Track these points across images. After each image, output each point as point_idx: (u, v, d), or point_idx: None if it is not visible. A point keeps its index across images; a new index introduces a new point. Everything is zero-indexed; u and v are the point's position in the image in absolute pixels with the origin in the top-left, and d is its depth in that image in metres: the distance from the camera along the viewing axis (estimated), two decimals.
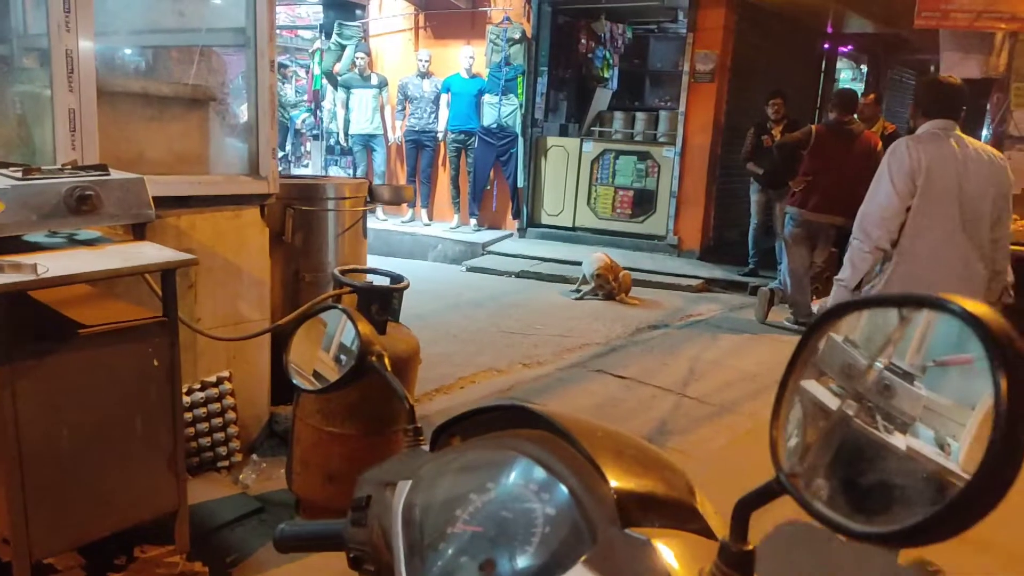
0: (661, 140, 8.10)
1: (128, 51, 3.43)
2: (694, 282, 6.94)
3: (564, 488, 0.61)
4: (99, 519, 1.91)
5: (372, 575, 0.76)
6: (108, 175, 2.01)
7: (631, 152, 8.15)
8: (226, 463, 2.79)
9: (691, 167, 7.77)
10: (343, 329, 1.25)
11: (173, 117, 2.69)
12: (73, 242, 2.02)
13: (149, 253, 1.96)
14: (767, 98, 6.51)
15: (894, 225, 2.76)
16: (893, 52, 11.33)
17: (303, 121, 10.83)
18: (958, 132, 2.79)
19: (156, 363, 1.96)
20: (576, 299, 6.36)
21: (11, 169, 1.98)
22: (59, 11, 2.22)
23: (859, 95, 5.80)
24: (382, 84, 8.48)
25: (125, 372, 1.92)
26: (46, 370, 1.78)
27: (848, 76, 12.85)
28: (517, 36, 8.08)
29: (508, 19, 8.10)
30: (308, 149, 10.79)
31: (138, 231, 2.09)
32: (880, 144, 5.24)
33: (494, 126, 8.10)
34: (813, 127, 5.53)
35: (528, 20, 8.20)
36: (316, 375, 1.33)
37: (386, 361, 1.00)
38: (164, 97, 2.70)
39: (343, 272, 2.56)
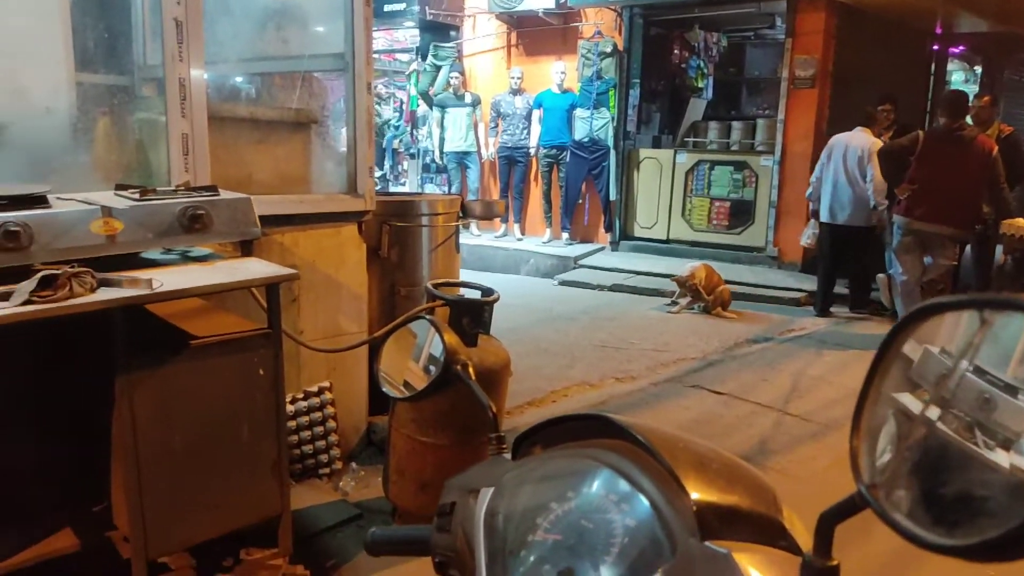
0: (759, 149, 7.87)
1: (236, 79, 3.64)
2: (796, 295, 6.69)
3: (644, 499, 0.60)
4: (208, 521, 2.01)
5: None
6: (218, 195, 2.13)
7: (727, 162, 7.96)
8: (327, 471, 2.88)
9: (791, 176, 7.51)
10: (432, 340, 1.28)
11: (278, 140, 2.83)
12: (186, 258, 2.15)
13: (255, 268, 2.06)
14: (876, 103, 6.21)
15: None
16: (1010, 52, 10.61)
17: (400, 141, 11.17)
18: None
19: (262, 372, 2.05)
20: (671, 313, 6.24)
21: (130, 191, 2.14)
22: (173, 42, 2.38)
23: (970, 98, 5.46)
24: (475, 102, 8.64)
25: (233, 381, 2.02)
26: (161, 379, 1.90)
27: (960, 78, 12.11)
28: (609, 50, 8.07)
29: (599, 33, 8.10)
30: (405, 168, 11.10)
31: (245, 248, 2.20)
32: (996, 148, 4.91)
33: (586, 140, 8.10)
34: (920, 132, 5.24)
35: (620, 33, 8.18)
36: (406, 384, 1.36)
37: (471, 370, 1.01)
38: (270, 121, 2.85)
39: (436, 286, 2.62)
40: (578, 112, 8.11)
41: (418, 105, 9.64)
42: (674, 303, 6.35)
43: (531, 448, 0.84)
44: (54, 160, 2.76)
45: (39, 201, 1.88)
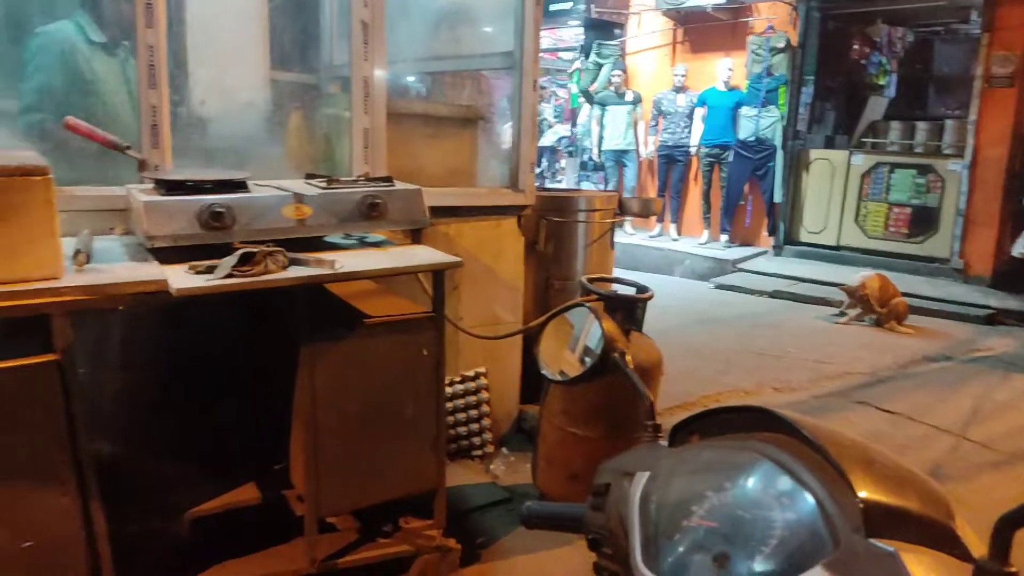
0: (946, 152, 7.24)
1: (410, 77, 3.85)
2: (983, 312, 6.10)
3: (807, 494, 0.60)
4: (373, 488, 2.16)
5: (608, 558, 0.80)
6: (393, 186, 2.28)
7: (909, 165, 7.38)
8: (479, 453, 3.00)
9: (982, 182, 6.85)
10: (588, 331, 1.31)
11: (448, 135, 2.98)
12: (363, 243, 2.31)
13: (423, 255, 2.19)
14: None
15: None
16: None
17: (558, 139, 11.28)
18: None
19: (425, 353, 2.17)
20: (838, 324, 5.90)
21: (317, 180, 2.33)
22: (359, 43, 2.57)
23: None
24: (636, 100, 8.57)
25: (399, 360, 2.15)
26: (337, 353, 2.06)
27: None
28: (781, 45, 7.73)
29: (772, 28, 7.78)
30: (562, 165, 11.20)
31: (415, 236, 2.34)
32: None
33: (751, 139, 7.80)
34: None
35: (794, 28, 7.80)
36: (561, 373, 1.40)
37: (628, 359, 1.04)
38: (441, 117, 3.00)
39: (590, 280, 2.64)
40: (744, 110, 7.83)
41: (579, 103, 9.70)
42: (842, 314, 5.99)
43: (688, 437, 0.85)
44: (251, 150, 3.06)
45: (240, 186, 2.10)
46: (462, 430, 2.98)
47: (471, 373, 3.03)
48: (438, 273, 2.19)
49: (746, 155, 7.87)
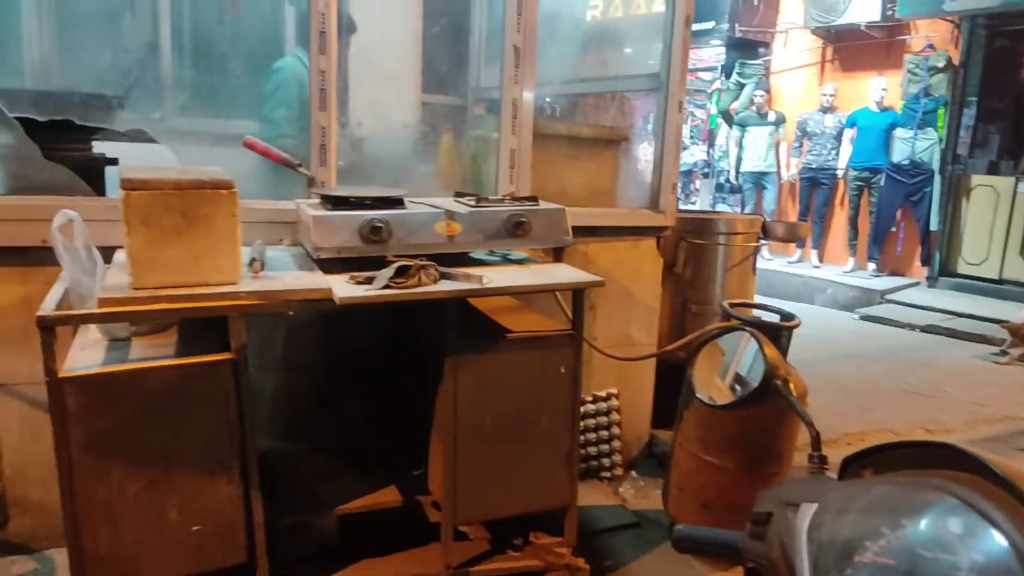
0: None
1: (549, 98, 3.92)
2: None
3: (999, 536, 0.57)
4: (507, 500, 2.21)
5: None
6: (537, 205, 2.33)
7: None
8: (608, 475, 2.99)
9: None
10: (741, 357, 1.29)
11: (590, 156, 3.01)
12: (506, 260, 2.38)
13: (565, 274, 2.22)
14: None
15: None
16: None
17: (694, 161, 11.08)
18: None
19: (563, 370, 2.20)
20: (999, 364, 5.42)
21: (466, 198, 2.42)
22: (511, 67, 2.65)
23: None
24: (779, 121, 8.29)
25: (537, 375, 2.19)
26: (480, 365, 2.12)
27: None
28: (941, 64, 7.25)
29: (931, 46, 7.32)
30: (697, 186, 10.98)
31: (557, 254, 2.38)
32: None
33: (906, 163, 7.35)
34: None
35: (955, 46, 7.31)
36: (709, 399, 1.38)
37: (791, 386, 1.01)
38: (584, 138, 3.03)
39: (732, 305, 2.59)
40: (898, 132, 7.39)
41: (717, 124, 9.51)
42: (1003, 353, 5.51)
43: (860, 471, 0.82)
44: (403, 168, 3.22)
45: (397, 203, 2.21)
46: (592, 450, 2.97)
47: (603, 393, 3.03)
48: (578, 292, 2.21)
49: (899, 179, 7.42)
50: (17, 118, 2.22)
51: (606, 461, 3.01)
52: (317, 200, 2.29)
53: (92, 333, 2.01)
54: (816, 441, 0.89)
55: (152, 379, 1.78)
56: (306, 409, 2.61)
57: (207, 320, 1.98)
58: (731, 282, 3.35)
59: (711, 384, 1.24)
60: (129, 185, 1.72)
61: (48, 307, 1.73)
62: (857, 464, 0.82)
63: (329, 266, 2.10)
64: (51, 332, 1.67)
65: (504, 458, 2.19)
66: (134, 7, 3.66)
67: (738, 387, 1.13)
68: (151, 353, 1.92)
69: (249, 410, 1.88)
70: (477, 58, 4.33)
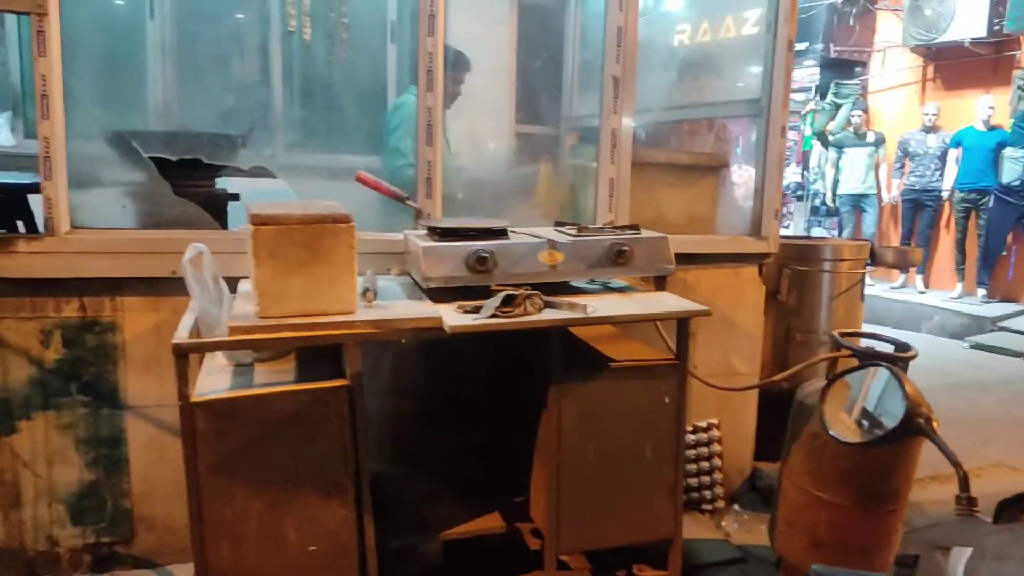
0: None
1: (648, 126, 3.92)
2: None
3: None
4: (610, 530, 2.19)
5: None
6: (639, 234, 2.33)
7: None
8: (709, 507, 2.92)
9: None
10: (868, 392, 1.25)
11: (689, 182, 2.99)
12: (607, 289, 2.38)
13: (669, 302, 2.21)
14: None
15: None
16: None
17: (786, 183, 10.81)
18: None
19: (667, 400, 2.18)
20: None
21: (567, 227, 2.45)
22: (610, 96, 2.68)
23: None
24: (878, 142, 8.01)
25: (640, 405, 2.18)
26: (582, 393, 2.13)
27: None
28: None
29: None
30: (790, 209, 10.69)
31: (659, 283, 2.37)
32: None
33: (1016, 183, 6.95)
34: None
35: None
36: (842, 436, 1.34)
37: (934, 424, 0.98)
38: (683, 165, 3.02)
39: (842, 335, 2.50)
40: (1008, 152, 7.01)
41: (811, 145, 9.26)
42: None
43: (1018, 515, 0.79)
44: (498, 198, 3.28)
45: (501, 234, 2.26)
46: (692, 482, 2.92)
47: (703, 424, 2.97)
48: (683, 321, 2.20)
49: (1010, 201, 7.01)
50: (151, 158, 2.39)
51: (707, 493, 2.95)
52: (424, 231, 2.36)
53: (219, 359, 2.12)
54: (964, 482, 0.87)
55: (275, 404, 1.86)
56: (410, 433, 2.67)
57: (322, 347, 2.08)
58: (837, 310, 3.24)
59: (836, 419, 1.20)
60: (258, 220, 1.82)
61: (182, 335, 1.85)
62: (1015, 508, 0.79)
63: (437, 295, 2.16)
64: (185, 359, 1.78)
65: (608, 488, 2.18)
66: (248, 51, 3.89)
67: (865, 423, 1.09)
68: (273, 379, 2.01)
69: (363, 435, 1.94)
70: (570, 87, 4.39)
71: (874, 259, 3.34)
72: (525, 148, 3.79)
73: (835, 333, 2.46)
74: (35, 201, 2.50)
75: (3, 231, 2.38)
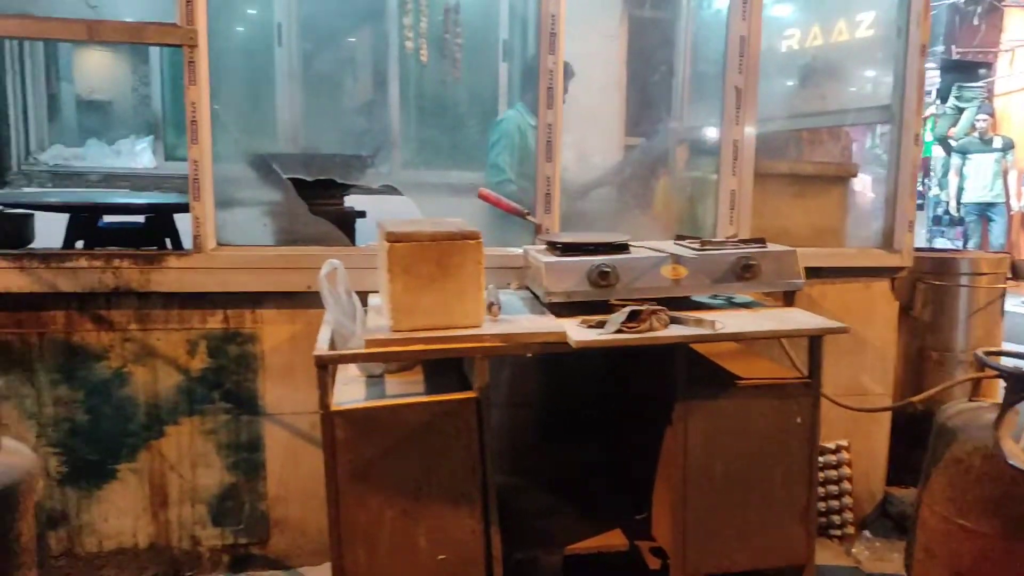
0: None
1: (767, 135, 3.82)
2: None
3: None
4: (737, 554, 2.13)
5: None
6: (766, 247, 2.27)
7: None
8: (838, 533, 2.80)
9: None
10: None
11: (814, 193, 2.89)
12: (731, 304, 2.33)
13: (801, 319, 2.14)
14: None
15: None
16: None
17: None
18: None
19: (799, 420, 2.11)
20: None
21: (688, 241, 2.41)
22: (732, 107, 2.63)
23: None
24: (1006, 147, 7.51)
25: (770, 425, 2.11)
26: (711, 412, 2.09)
27: None
28: None
29: None
30: None
31: (787, 298, 2.30)
32: None
33: None
34: None
35: None
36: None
37: None
38: (807, 176, 2.93)
39: (987, 353, 2.35)
40: None
41: (931, 152, 8.79)
42: None
43: None
44: (609, 211, 3.27)
45: (622, 248, 2.25)
46: (820, 506, 2.80)
47: (831, 446, 2.85)
48: (816, 339, 2.12)
49: None
50: (289, 178, 2.52)
51: (836, 518, 2.82)
52: (544, 246, 2.38)
53: (351, 370, 2.21)
54: None
55: (407, 414, 1.92)
56: (527, 445, 2.68)
57: (447, 359, 2.12)
58: (976, 326, 3.04)
59: (1009, 448, 1.13)
60: (393, 238, 1.89)
61: (322, 347, 1.93)
62: None
63: (557, 309, 2.17)
64: (326, 370, 1.86)
65: (735, 509, 2.12)
66: (367, 74, 4.06)
67: None
68: (403, 390, 2.08)
69: (490, 446, 1.97)
70: (681, 98, 4.34)
71: (1015, 273, 3.13)
72: (635, 161, 3.77)
73: (979, 352, 2.31)
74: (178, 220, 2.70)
75: (154, 248, 2.56)
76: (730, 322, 2.04)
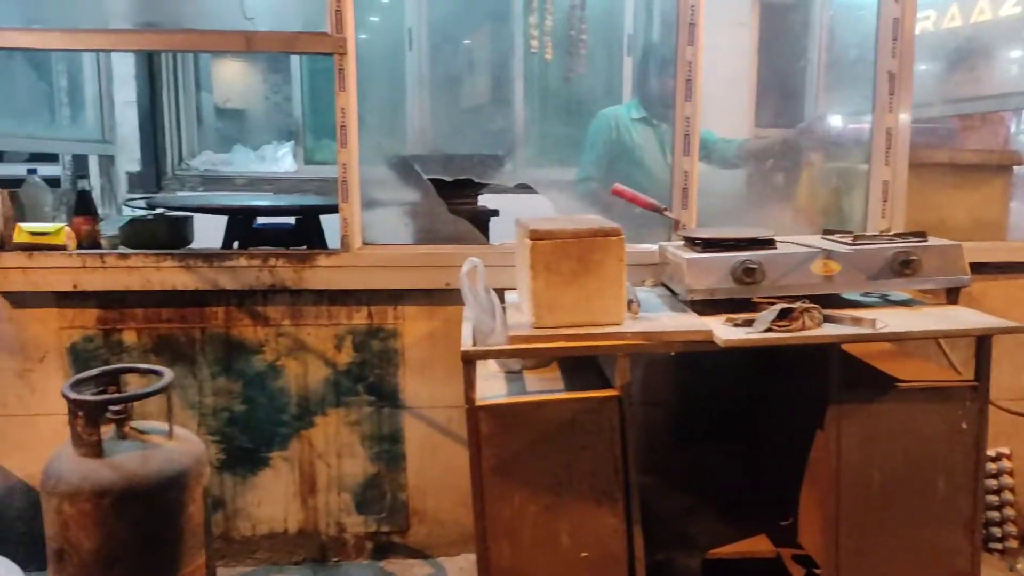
0: None
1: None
2: None
3: None
4: (896, 568, 2.01)
5: None
6: (926, 241, 2.13)
7: None
8: (998, 546, 2.60)
9: None
10: None
11: (975, 184, 2.69)
12: (887, 302, 2.20)
13: (968, 317, 2.00)
14: None
15: None
16: None
17: None
18: None
19: (964, 426, 1.97)
20: None
21: (837, 235, 2.30)
22: (884, 93, 2.49)
23: None
24: None
25: (932, 430, 1.98)
26: (863, 416, 1.98)
27: None
28: None
29: None
30: None
31: (950, 295, 2.15)
32: None
33: None
34: None
35: None
36: None
37: None
38: (968, 165, 2.73)
39: None
40: None
41: None
42: None
43: None
44: (738, 205, 3.16)
45: (768, 243, 2.17)
46: None
47: (991, 453, 2.65)
48: (983, 339, 1.97)
49: None
50: (429, 179, 2.59)
51: (996, 531, 2.62)
52: (681, 242, 2.33)
53: (490, 366, 2.24)
54: None
55: (550, 410, 1.93)
56: (661, 444, 2.64)
57: (586, 358, 2.12)
58: None
59: None
60: (536, 235, 1.90)
61: (467, 343, 1.97)
62: None
63: (697, 307, 2.12)
64: (471, 365, 1.90)
65: (893, 521, 2.00)
66: (493, 73, 4.12)
67: None
68: (542, 386, 2.09)
69: (633, 445, 1.95)
70: (815, 87, 4.15)
71: None
72: (766, 152, 3.63)
73: None
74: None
75: (303, 247, 2.69)
76: (892, 321, 1.93)
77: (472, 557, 2.63)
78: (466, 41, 4.13)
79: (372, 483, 2.62)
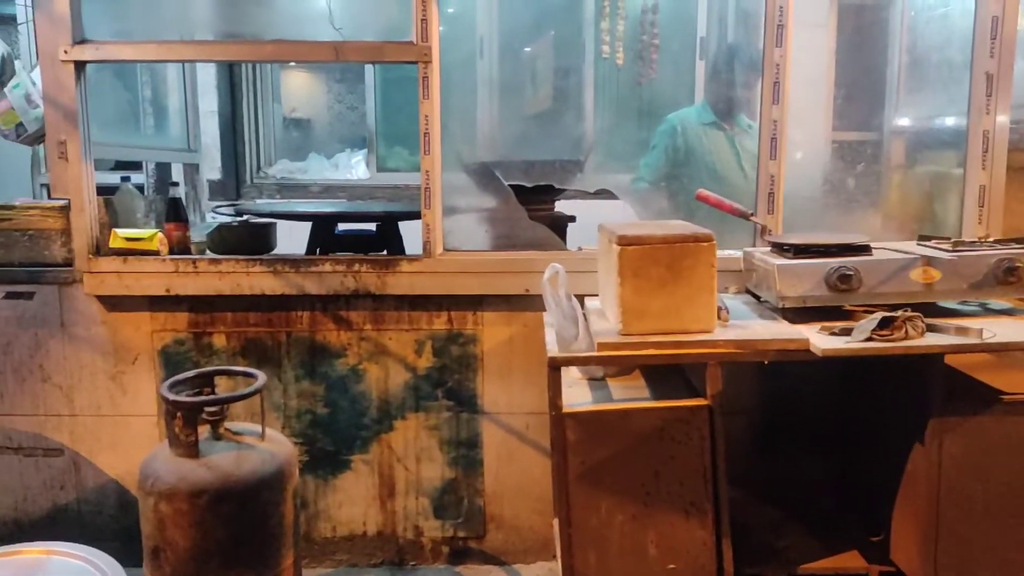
0: None
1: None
2: None
3: None
4: None
5: None
6: None
7: None
8: None
9: None
10: None
11: None
12: (988, 311, 2.11)
13: None
14: None
15: None
16: None
17: None
18: None
19: None
20: None
21: (934, 241, 2.21)
22: (981, 95, 2.39)
23: None
24: None
25: None
26: (966, 429, 1.90)
27: None
28: None
29: None
30: None
31: None
32: None
33: None
34: None
35: None
36: None
37: None
38: None
39: None
40: None
41: None
42: None
43: None
44: (815, 211, 3.07)
45: (863, 250, 2.11)
46: None
47: None
48: None
49: None
50: (510, 185, 2.60)
51: None
52: (768, 248, 2.28)
53: (573, 372, 2.23)
54: None
55: (638, 419, 1.90)
56: (746, 455, 2.58)
57: (669, 366, 2.08)
58: None
59: None
60: (624, 241, 1.88)
61: (552, 349, 1.96)
62: None
63: (791, 315, 2.07)
64: (558, 371, 1.89)
65: (996, 538, 1.92)
66: (564, 79, 4.10)
67: None
68: (628, 394, 2.07)
69: (723, 456, 1.91)
70: (896, 89, 4.02)
71: None
72: (841, 158, 3.53)
73: None
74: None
75: (384, 253, 2.73)
76: (1000, 331, 1.85)
77: (549, 565, 2.62)
78: (536, 49, 4.14)
79: (449, 488, 2.63)
